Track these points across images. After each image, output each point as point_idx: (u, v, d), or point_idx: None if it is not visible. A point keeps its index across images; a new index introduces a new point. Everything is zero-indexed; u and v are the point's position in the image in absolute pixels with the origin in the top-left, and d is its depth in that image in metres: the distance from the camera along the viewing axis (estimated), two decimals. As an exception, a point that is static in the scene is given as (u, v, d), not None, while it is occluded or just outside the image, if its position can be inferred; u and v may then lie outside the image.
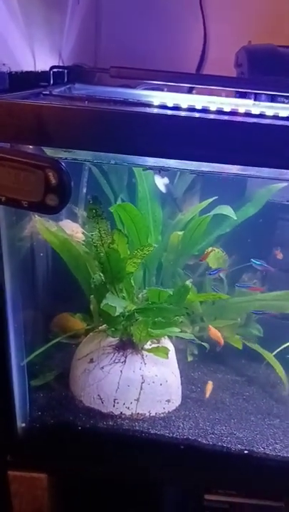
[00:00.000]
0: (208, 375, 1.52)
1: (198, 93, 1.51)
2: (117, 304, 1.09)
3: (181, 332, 1.27)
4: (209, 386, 1.40)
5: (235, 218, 1.34)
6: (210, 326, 1.44)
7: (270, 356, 1.46)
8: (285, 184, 1.40)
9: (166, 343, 1.34)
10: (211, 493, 1.36)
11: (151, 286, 1.56)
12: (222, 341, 1.45)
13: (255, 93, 1.42)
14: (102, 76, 1.65)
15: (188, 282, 1.19)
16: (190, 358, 1.57)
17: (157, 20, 1.83)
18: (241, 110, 1.15)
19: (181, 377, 1.44)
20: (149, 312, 1.16)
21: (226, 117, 1.03)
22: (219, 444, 1.24)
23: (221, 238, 1.57)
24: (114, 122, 0.91)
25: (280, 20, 1.77)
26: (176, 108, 1.11)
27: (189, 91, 1.62)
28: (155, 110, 1.03)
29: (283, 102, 1.42)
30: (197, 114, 1.08)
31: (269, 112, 1.13)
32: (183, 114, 1.05)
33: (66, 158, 0.92)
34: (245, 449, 1.24)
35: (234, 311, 1.51)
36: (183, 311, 1.17)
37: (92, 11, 1.82)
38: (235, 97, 1.44)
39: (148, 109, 1.03)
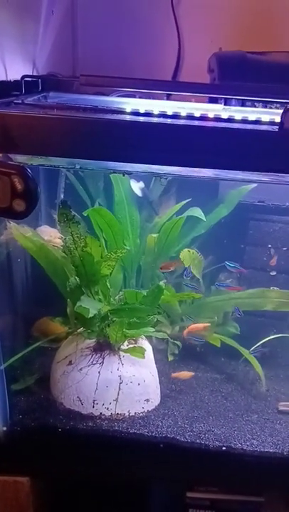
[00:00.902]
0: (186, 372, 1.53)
1: (170, 99, 1.53)
2: (90, 305, 1.10)
3: (155, 332, 1.28)
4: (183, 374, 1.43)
5: (205, 220, 1.36)
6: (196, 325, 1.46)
7: (247, 353, 1.47)
8: (254, 185, 1.42)
9: (144, 343, 1.34)
10: (193, 490, 1.37)
11: (131, 288, 1.57)
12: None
13: (225, 98, 1.44)
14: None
15: (161, 283, 1.20)
16: (170, 358, 1.57)
17: (133, 29, 1.85)
18: (211, 115, 1.17)
19: (161, 376, 1.45)
20: (122, 313, 1.16)
21: (196, 122, 1.05)
22: (197, 441, 1.24)
23: (198, 239, 1.59)
24: (77, 128, 0.93)
25: (251, 27, 1.80)
26: (147, 114, 1.13)
27: (162, 97, 1.64)
28: (120, 116, 1.05)
29: (254, 106, 1.45)
30: (169, 120, 1.10)
31: (238, 116, 1.15)
32: (153, 120, 1.07)
33: (32, 164, 0.93)
34: (223, 446, 1.24)
35: (211, 310, 1.52)
36: (155, 311, 1.18)
37: (68, 20, 1.83)
38: (207, 102, 1.46)
39: (114, 116, 1.05)
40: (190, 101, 1.42)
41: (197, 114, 1.16)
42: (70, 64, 1.90)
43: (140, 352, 1.22)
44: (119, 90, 1.53)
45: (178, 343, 1.48)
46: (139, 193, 1.53)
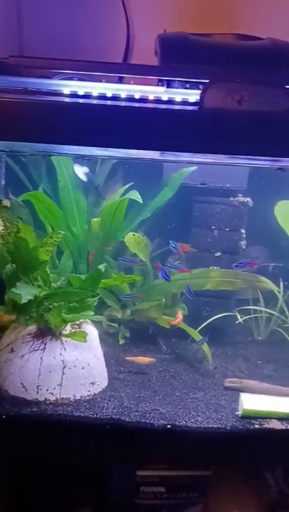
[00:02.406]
0: (139, 355, 1.51)
1: (117, 82, 1.48)
2: (23, 291, 1.06)
3: (94, 315, 1.26)
4: (139, 359, 1.40)
5: (142, 202, 1.33)
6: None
7: (194, 333, 1.47)
8: (195, 167, 1.41)
9: (88, 327, 1.32)
10: (143, 468, 1.37)
11: (82, 274, 1.53)
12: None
13: (168, 80, 1.41)
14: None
15: (101, 267, 1.17)
16: (122, 341, 1.56)
17: (81, 9, 1.78)
18: (150, 97, 1.13)
19: (110, 359, 1.43)
20: (56, 297, 1.13)
21: (122, 104, 1.02)
22: (142, 421, 1.23)
23: (145, 223, 1.56)
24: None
25: (199, 9, 1.75)
26: (86, 96, 1.09)
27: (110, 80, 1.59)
28: (46, 98, 1.01)
29: (197, 88, 1.41)
30: (109, 102, 1.07)
31: (178, 98, 1.12)
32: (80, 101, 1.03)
33: None
34: (168, 424, 1.24)
35: (159, 293, 1.50)
36: (89, 294, 1.15)
37: (12, 1, 1.74)
38: (149, 84, 1.42)
39: (42, 97, 1.01)
40: (135, 84, 1.38)
41: (137, 97, 1.12)
42: (17, 45, 1.82)
43: (82, 336, 1.20)
44: (62, 73, 1.48)
45: (115, 325, 1.46)
46: (83, 177, 1.49)
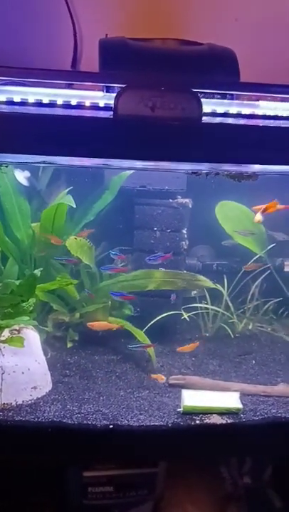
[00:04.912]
0: (86, 358, 1.51)
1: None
2: None
3: (29, 320, 1.25)
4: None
5: (74, 206, 1.33)
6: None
7: (140, 333, 1.48)
8: (133, 171, 1.42)
9: (28, 332, 1.31)
10: (89, 469, 1.36)
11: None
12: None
13: (107, 86, 1.41)
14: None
15: (36, 271, 1.17)
16: (70, 345, 1.55)
17: (26, 17, 1.75)
18: (87, 103, 1.14)
19: (57, 363, 1.43)
20: (-15, 304, 1.13)
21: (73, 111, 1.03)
22: (84, 422, 1.23)
23: (90, 227, 1.56)
24: None
25: (146, 12, 1.75)
26: (21, 103, 1.08)
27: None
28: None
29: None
30: (47, 110, 1.06)
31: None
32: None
33: None
34: (110, 424, 1.24)
35: (104, 295, 1.51)
36: (18, 299, 1.15)
37: None
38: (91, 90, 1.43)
39: None
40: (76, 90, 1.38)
41: (73, 103, 1.12)
42: None
43: (19, 341, 1.19)
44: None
45: (48, 329, 1.47)
46: (24, 182, 1.48)
